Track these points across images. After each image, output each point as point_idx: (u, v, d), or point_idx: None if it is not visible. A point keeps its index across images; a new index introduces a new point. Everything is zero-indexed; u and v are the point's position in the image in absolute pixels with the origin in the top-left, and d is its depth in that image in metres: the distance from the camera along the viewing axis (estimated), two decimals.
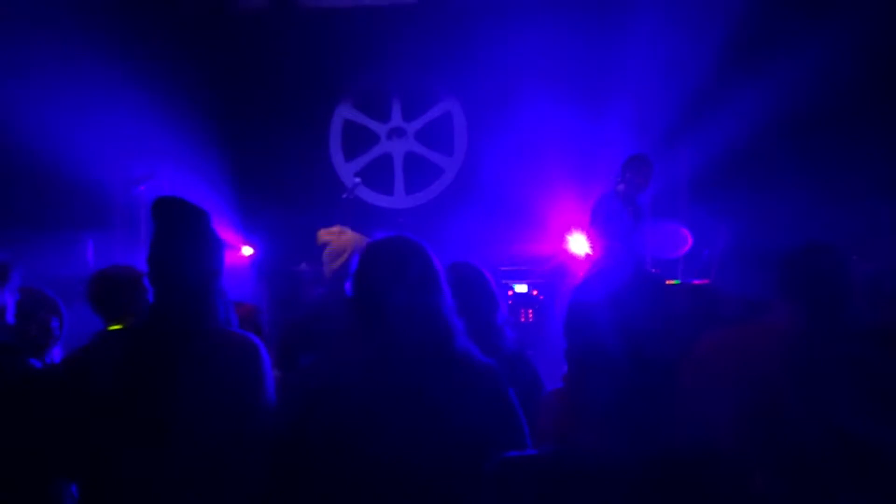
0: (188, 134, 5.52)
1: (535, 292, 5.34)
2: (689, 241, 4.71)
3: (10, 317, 2.09)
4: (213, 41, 6.05)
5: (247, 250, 5.76)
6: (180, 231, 1.89)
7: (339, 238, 3.47)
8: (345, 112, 6.47)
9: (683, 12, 5.05)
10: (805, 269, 2.11)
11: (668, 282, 4.56)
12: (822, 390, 1.81)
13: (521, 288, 5.41)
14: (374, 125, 6.48)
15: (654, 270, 4.93)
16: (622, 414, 1.37)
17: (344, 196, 5.53)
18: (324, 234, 3.58)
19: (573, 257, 5.23)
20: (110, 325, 2.78)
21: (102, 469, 1.77)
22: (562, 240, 5.37)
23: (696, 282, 4.43)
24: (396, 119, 6.47)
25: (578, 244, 5.19)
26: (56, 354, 2.57)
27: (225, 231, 3.37)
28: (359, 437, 1.64)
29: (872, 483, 1.68)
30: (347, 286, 1.75)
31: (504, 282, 5.33)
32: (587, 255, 5.10)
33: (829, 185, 4.75)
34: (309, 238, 5.71)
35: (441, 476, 1.63)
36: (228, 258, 2.02)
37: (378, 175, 6.37)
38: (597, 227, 4.80)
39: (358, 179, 5.71)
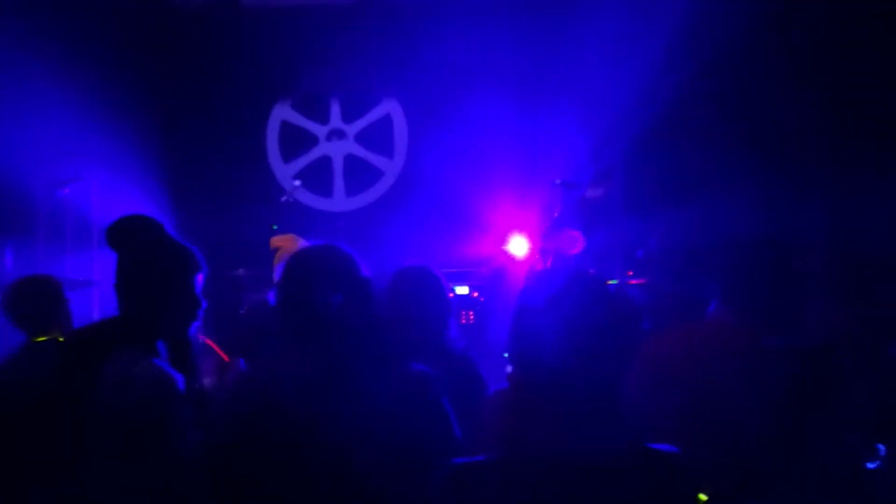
0: (119, 134, 5.31)
1: (475, 294, 5.36)
2: (581, 243, 4.81)
3: None
4: (148, 38, 5.85)
5: None
6: (148, 251, 1.84)
7: (291, 245, 3.45)
8: (283, 113, 6.36)
9: (629, 11, 5.12)
10: (737, 267, 2.16)
11: (606, 282, 4.64)
12: (762, 389, 1.85)
13: (461, 290, 5.42)
14: (312, 127, 6.38)
15: (591, 271, 5.00)
16: (568, 415, 1.38)
17: (283, 199, 5.43)
18: (276, 241, 3.56)
19: (514, 259, 5.26)
20: (34, 338, 2.65)
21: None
22: (503, 242, 5.40)
23: (633, 281, 4.52)
24: (336, 121, 6.39)
25: (519, 246, 5.24)
26: None
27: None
28: (297, 450, 1.61)
29: (806, 480, 1.73)
30: (271, 295, 1.73)
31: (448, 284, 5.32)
32: (528, 257, 5.15)
33: (766, 184, 4.91)
34: (246, 242, 5.61)
35: (382, 484, 1.61)
36: None
37: (317, 177, 6.28)
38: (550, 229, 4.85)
39: (298, 182, 5.61)
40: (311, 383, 1.63)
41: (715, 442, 1.87)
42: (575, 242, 4.74)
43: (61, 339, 2.74)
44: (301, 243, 3.44)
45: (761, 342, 1.92)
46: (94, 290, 5.22)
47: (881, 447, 1.99)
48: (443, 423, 1.70)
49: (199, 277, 1.90)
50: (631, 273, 4.80)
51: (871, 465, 1.89)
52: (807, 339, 1.96)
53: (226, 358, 2.59)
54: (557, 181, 4.99)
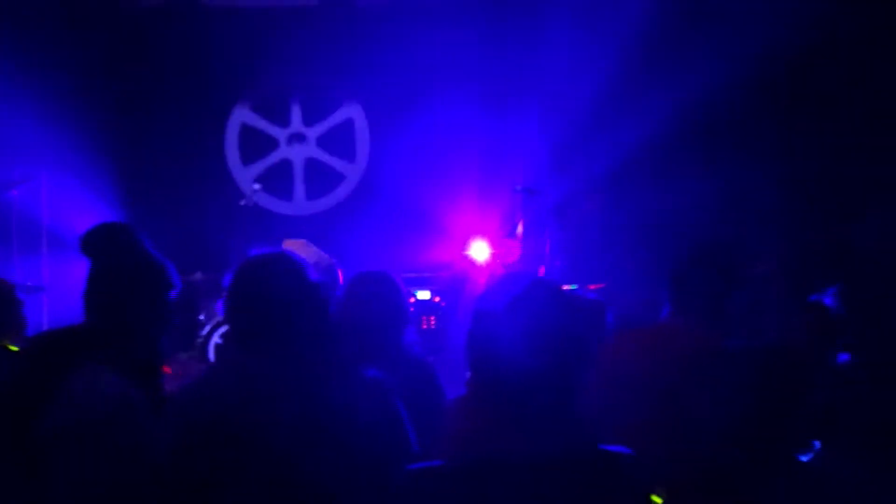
0: (72, 134, 5.18)
1: (437, 299, 5.36)
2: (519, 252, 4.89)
3: None
4: (104, 36, 5.73)
5: None
6: (123, 261, 1.81)
7: (302, 251, 3.46)
8: (243, 115, 6.28)
9: (589, 14, 5.18)
10: (689, 273, 2.20)
11: (565, 287, 4.69)
12: (716, 392, 1.88)
13: (423, 295, 5.42)
14: (273, 130, 6.32)
15: (550, 277, 5.06)
16: (523, 418, 1.39)
17: (242, 202, 5.36)
18: (287, 244, 3.60)
19: (475, 264, 5.29)
20: None
21: None
22: (464, 246, 5.42)
23: (592, 286, 4.57)
24: (297, 124, 6.34)
25: (480, 251, 5.26)
26: None
27: None
28: (249, 457, 1.59)
29: (763, 481, 1.77)
30: (220, 306, 1.73)
31: (407, 289, 5.31)
32: (490, 262, 5.18)
33: (725, 186, 5.01)
34: (204, 246, 5.52)
35: (338, 490, 1.60)
36: None
37: (277, 181, 6.22)
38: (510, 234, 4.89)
39: (258, 186, 5.55)
40: (260, 389, 1.62)
41: (671, 444, 1.90)
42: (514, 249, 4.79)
43: (13, 347, 2.66)
44: (312, 250, 3.48)
45: (716, 345, 1.96)
46: (43, 296, 5.08)
47: (817, 443, 2.06)
48: (397, 429, 1.70)
49: (172, 294, 1.87)
50: (591, 278, 4.85)
51: (803, 458, 1.95)
52: (764, 342, 2.01)
53: (167, 370, 2.54)
54: (518, 188, 5.03)
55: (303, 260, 1.76)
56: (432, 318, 5.32)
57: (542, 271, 5.02)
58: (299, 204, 6.31)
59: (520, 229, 5.19)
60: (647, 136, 5.10)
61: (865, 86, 4.79)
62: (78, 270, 1.92)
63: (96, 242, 1.82)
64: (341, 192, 6.32)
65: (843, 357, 2.29)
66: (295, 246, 3.62)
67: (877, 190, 4.62)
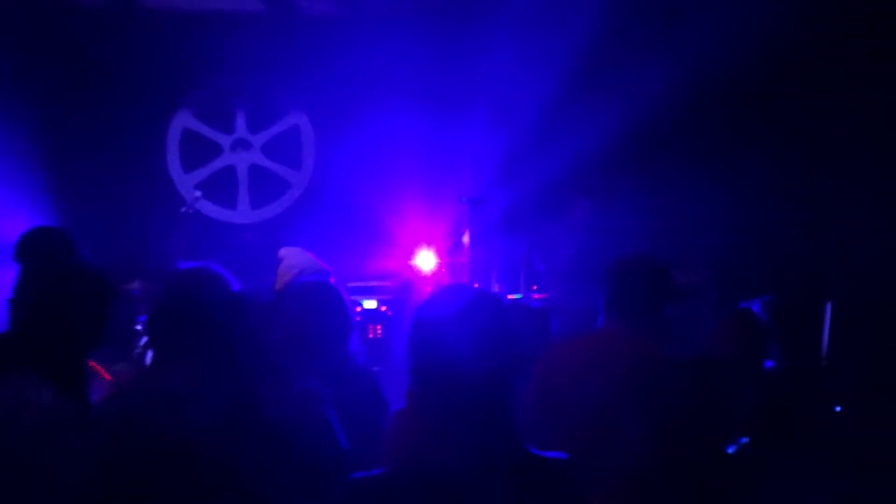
0: (4, 137, 4.99)
1: (383, 308, 5.35)
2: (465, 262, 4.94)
3: None
4: (38, 36, 5.53)
5: None
6: (56, 269, 1.76)
7: (294, 256, 3.43)
8: (185, 121, 6.15)
9: (536, 24, 5.25)
10: (622, 281, 2.27)
11: (508, 296, 4.76)
12: (650, 398, 1.94)
13: (369, 304, 5.40)
14: (216, 136, 6.21)
15: (496, 286, 5.11)
16: (460, 425, 1.41)
17: (182, 210, 5.24)
18: (283, 252, 3.56)
19: (421, 273, 5.30)
20: None
21: None
22: (410, 256, 5.43)
23: (536, 295, 4.65)
24: (241, 130, 6.24)
25: (426, 260, 5.28)
26: None
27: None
28: (175, 468, 1.57)
29: (693, 485, 1.83)
30: (145, 318, 1.72)
31: (353, 298, 5.29)
32: (436, 272, 5.20)
33: (663, 197, 5.15)
34: (143, 254, 5.37)
35: (267, 500, 1.59)
36: None
37: (221, 188, 6.11)
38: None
39: (199, 193, 5.44)
40: (184, 400, 1.61)
41: (607, 449, 1.95)
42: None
43: None
44: (307, 256, 3.43)
45: (650, 353, 2.02)
46: None
47: (744, 439, 2.14)
48: (330, 440, 1.71)
49: (107, 304, 1.82)
50: (535, 287, 4.93)
51: (729, 449, 2.04)
52: (696, 352, 2.08)
53: (109, 378, 2.47)
54: (464, 198, 5.08)
55: (226, 273, 1.77)
56: (378, 327, 5.31)
57: (482, 281, 5.07)
58: (243, 212, 6.21)
59: (466, 239, 5.22)
60: (591, 146, 5.21)
61: (803, 99, 4.99)
62: (8, 276, 1.86)
63: (28, 248, 1.77)
64: (286, 200, 6.25)
65: (769, 364, 2.40)
66: (291, 253, 3.58)
67: (809, 204, 4.83)
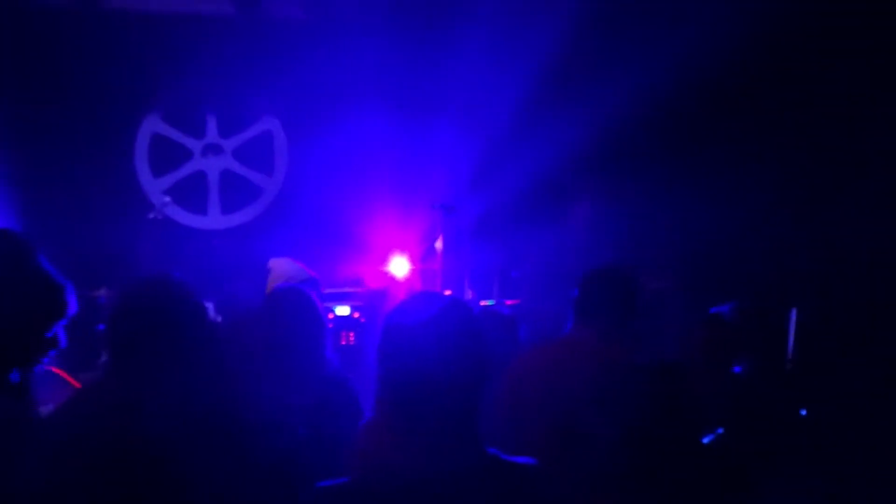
0: None
1: (356, 315, 5.32)
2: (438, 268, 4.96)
3: None
4: (1, 38, 5.41)
5: None
6: (7, 275, 1.72)
7: (286, 268, 3.42)
8: (154, 125, 6.07)
9: (511, 27, 5.26)
10: (590, 289, 2.30)
11: (482, 302, 4.77)
12: (616, 404, 1.95)
13: (342, 311, 5.36)
14: (187, 140, 6.14)
15: (470, 292, 5.11)
16: (435, 435, 1.40)
17: (151, 216, 5.17)
18: (272, 263, 3.55)
19: (394, 279, 5.28)
20: None
21: None
22: (384, 262, 5.41)
23: (508, 301, 4.65)
24: (212, 135, 6.17)
25: (399, 266, 5.26)
26: None
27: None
28: (124, 476, 1.55)
29: (660, 485, 1.84)
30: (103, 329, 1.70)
31: (325, 304, 5.25)
32: (409, 278, 5.18)
33: (635, 205, 5.19)
34: (110, 260, 5.27)
35: None
36: None
37: (191, 194, 6.03)
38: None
39: (168, 199, 5.37)
40: (132, 409, 1.60)
41: (574, 455, 1.96)
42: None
43: None
44: (297, 267, 3.42)
45: (616, 359, 2.04)
46: None
47: (720, 430, 2.19)
48: (292, 447, 1.70)
49: (62, 315, 1.78)
50: (507, 293, 4.94)
51: (706, 439, 2.07)
52: (660, 357, 2.10)
53: (77, 385, 2.42)
54: (437, 204, 5.08)
55: (186, 282, 1.76)
56: (351, 334, 5.28)
57: (455, 287, 5.07)
58: (214, 217, 6.14)
59: (439, 245, 5.22)
60: (562, 152, 5.24)
61: (770, 105, 5.06)
62: None
63: None
64: (258, 205, 6.20)
65: (737, 369, 2.43)
66: (279, 264, 3.58)
67: (776, 211, 4.91)
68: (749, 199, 4.88)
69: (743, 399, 2.30)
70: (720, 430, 2.18)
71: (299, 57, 5.70)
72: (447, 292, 4.65)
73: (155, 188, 5.95)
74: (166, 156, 6.04)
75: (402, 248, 5.41)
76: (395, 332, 1.47)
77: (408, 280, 5.19)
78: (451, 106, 5.66)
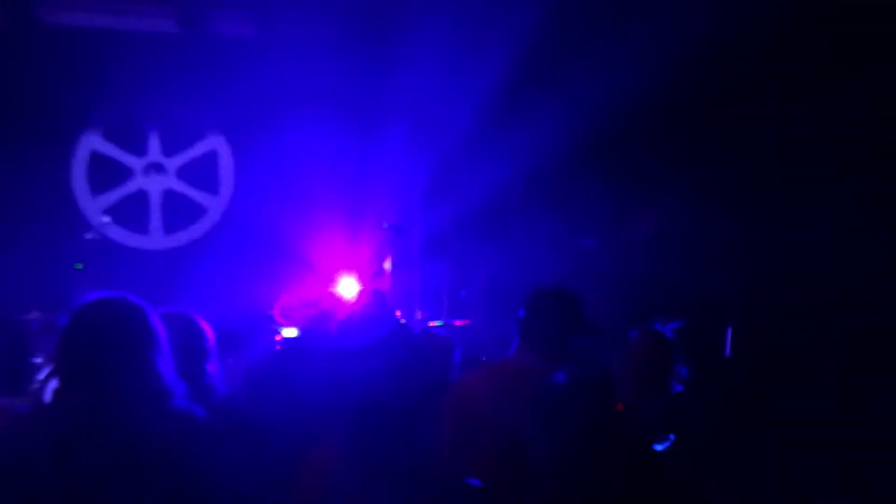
0: None
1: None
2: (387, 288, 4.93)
3: None
4: None
5: None
6: None
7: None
8: (93, 142, 5.88)
9: (459, 45, 5.27)
10: (535, 311, 2.31)
11: (431, 322, 4.73)
12: (556, 423, 1.94)
13: (289, 333, 5.25)
14: (127, 159, 5.96)
15: (419, 312, 5.08)
16: (378, 460, 1.38)
17: (88, 235, 4.99)
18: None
19: (342, 300, 5.20)
20: None
21: None
22: (331, 282, 5.33)
23: (457, 322, 4.63)
24: (155, 154, 6.02)
25: (347, 287, 5.19)
26: None
27: None
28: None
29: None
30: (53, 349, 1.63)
31: (272, 326, 5.14)
32: (357, 298, 5.11)
33: (572, 229, 5.25)
34: (44, 281, 5.07)
35: None
36: None
37: (132, 213, 5.85)
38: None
39: (107, 218, 5.20)
40: (72, 442, 1.53)
41: (517, 476, 1.93)
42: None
43: None
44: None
45: (548, 378, 2.03)
46: None
47: (671, 436, 2.21)
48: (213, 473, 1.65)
49: None
50: (456, 313, 4.92)
51: (659, 447, 2.09)
52: (585, 373, 2.11)
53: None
54: (386, 225, 5.04)
55: (142, 304, 1.70)
56: None
57: (404, 308, 5.03)
58: (156, 237, 5.97)
59: (388, 266, 5.18)
60: (510, 171, 5.27)
61: (713, 126, 5.16)
62: None
63: None
64: (203, 225, 6.05)
65: (678, 387, 2.47)
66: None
67: (712, 230, 5.02)
68: (689, 216, 4.99)
69: (681, 413, 2.33)
70: (671, 437, 2.20)
71: (245, 74, 5.62)
72: (397, 314, 4.61)
73: (93, 207, 5.75)
74: (106, 174, 5.86)
75: (351, 268, 5.34)
76: (336, 357, 1.45)
77: (357, 300, 5.11)
78: (401, 124, 5.65)
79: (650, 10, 4.54)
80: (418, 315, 5.09)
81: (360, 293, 5.06)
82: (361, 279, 5.31)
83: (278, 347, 2.87)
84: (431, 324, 4.72)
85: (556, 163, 5.24)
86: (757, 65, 4.45)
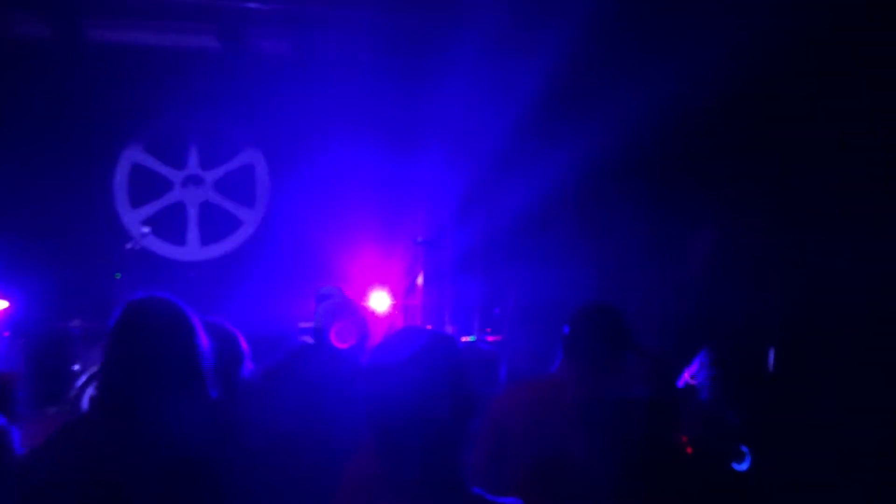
0: None
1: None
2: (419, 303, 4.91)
3: None
4: None
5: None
6: None
7: None
8: (134, 155, 6.02)
9: (494, 65, 5.28)
10: (580, 327, 2.29)
11: (463, 338, 4.72)
12: (601, 439, 1.92)
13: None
14: (167, 171, 6.09)
15: (450, 328, 5.07)
16: (420, 474, 1.37)
17: (128, 246, 5.09)
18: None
19: (375, 314, 5.22)
20: None
21: None
22: (364, 296, 5.36)
23: (490, 338, 4.61)
24: (193, 167, 6.14)
25: (380, 301, 5.21)
26: None
27: None
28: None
29: None
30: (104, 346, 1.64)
31: (305, 338, 5.17)
32: (390, 312, 5.13)
33: (610, 248, 5.20)
34: (85, 290, 5.17)
35: None
36: None
37: (170, 225, 5.96)
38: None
39: (147, 229, 5.30)
40: (116, 448, 1.53)
41: (559, 493, 1.91)
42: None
43: None
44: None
45: (597, 394, 2.01)
46: None
47: (745, 448, 2.15)
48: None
49: None
50: (489, 330, 4.90)
51: (738, 467, 2.04)
52: (638, 392, 2.08)
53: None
54: (419, 239, 5.05)
55: (181, 305, 1.70)
56: None
57: (436, 323, 5.02)
58: (193, 249, 6.07)
59: (420, 280, 5.19)
60: (546, 188, 5.25)
61: (747, 156, 5.10)
62: None
63: None
64: (238, 237, 6.14)
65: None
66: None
67: (750, 260, 4.93)
68: (731, 236, 4.91)
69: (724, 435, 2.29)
70: (748, 457, 2.15)
71: (282, 90, 5.71)
72: (429, 327, 4.61)
73: (133, 219, 5.87)
74: (146, 186, 5.98)
75: (383, 282, 5.36)
76: (378, 370, 1.44)
77: (389, 314, 5.13)
78: (435, 140, 5.67)
79: (692, 24, 4.50)
80: (449, 331, 5.09)
81: (393, 307, 5.09)
82: (394, 293, 5.33)
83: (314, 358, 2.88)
84: (464, 339, 4.71)
85: (592, 180, 5.21)
86: (809, 82, 4.36)
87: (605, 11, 4.59)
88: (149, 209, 5.96)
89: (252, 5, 5.59)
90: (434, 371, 1.41)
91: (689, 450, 1.97)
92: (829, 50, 4.18)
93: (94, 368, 4.60)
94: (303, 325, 5.25)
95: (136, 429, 1.58)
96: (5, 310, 4.89)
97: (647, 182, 5.30)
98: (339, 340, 2.93)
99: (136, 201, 5.97)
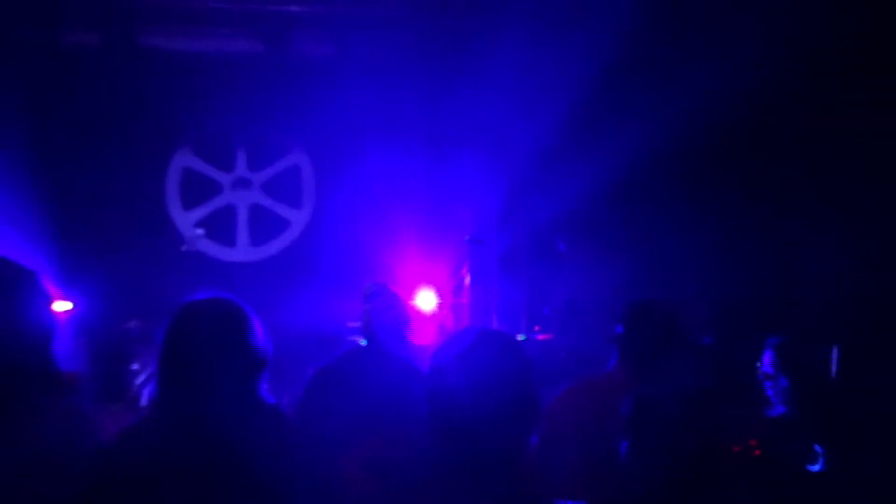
0: (2, 177, 4.96)
1: None
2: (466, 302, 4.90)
3: None
4: (33, 76, 5.55)
5: (63, 305, 5.16)
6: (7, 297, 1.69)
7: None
8: (185, 159, 6.15)
9: (537, 63, 5.26)
10: (632, 325, 2.27)
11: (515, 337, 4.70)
12: (653, 439, 1.90)
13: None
14: (216, 174, 6.21)
15: (497, 327, 5.05)
16: (486, 478, 1.37)
17: (183, 248, 5.21)
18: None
19: (422, 313, 5.24)
20: None
21: None
22: (411, 295, 5.38)
23: (541, 337, 4.58)
24: (241, 169, 6.25)
25: (427, 300, 5.22)
26: None
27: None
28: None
29: None
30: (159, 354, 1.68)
31: (352, 338, 5.22)
32: (437, 312, 5.14)
33: (660, 247, 5.13)
34: (140, 291, 5.31)
35: None
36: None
37: (220, 226, 6.08)
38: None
39: (201, 231, 5.42)
40: (183, 442, 1.57)
41: (617, 496, 1.89)
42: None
43: None
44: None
45: (652, 393, 1.99)
46: None
47: (818, 447, 2.11)
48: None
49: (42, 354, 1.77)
50: (538, 329, 4.87)
51: (814, 468, 2.00)
52: (682, 387, 2.05)
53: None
54: (466, 237, 5.05)
55: (241, 305, 1.73)
56: None
57: (483, 321, 5.01)
58: (242, 250, 6.18)
59: (467, 279, 5.19)
60: (590, 186, 5.21)
61: (785, 149, 4.99)
62: None
63: None
64: (286, 238, 6.22)
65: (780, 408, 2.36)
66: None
67: (799, 253, 4.81)
68: (782, 228, 4.80)
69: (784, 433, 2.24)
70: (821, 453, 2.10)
71: (327, 92, 5.76)
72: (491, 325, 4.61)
73: (185, 221, 6.01)
74: (196, 189, 6.11)
75: (430, 282, 5.37)
76: (441, 372, 1.44)
77: (436, 314, 5.14)
78: (479, 138, 5.67)
79: (736, 22, 4.42)
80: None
81: (440, 306, 5.10)
82: (441, 293, 5.34)
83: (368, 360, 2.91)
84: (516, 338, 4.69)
85: (640, 176, 5.14)
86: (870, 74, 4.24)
87: (650, 8, 4.54)
88: (200, 212, 6.09)
89: (295, 9, 5.67)
90: (503, 373, 1.41)
91: (756, 452, 1.93)
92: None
93: (151, 368, 4.70)
94: (351, 324, 5.31)
95: (196, 430, 1.60)
96: (69, 311, 5.09)
97: (694, 178, 5.21)
98: (390, 340, 2.94)
99: (188, 204, 6.11)
